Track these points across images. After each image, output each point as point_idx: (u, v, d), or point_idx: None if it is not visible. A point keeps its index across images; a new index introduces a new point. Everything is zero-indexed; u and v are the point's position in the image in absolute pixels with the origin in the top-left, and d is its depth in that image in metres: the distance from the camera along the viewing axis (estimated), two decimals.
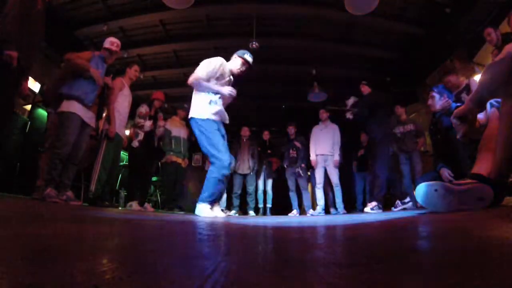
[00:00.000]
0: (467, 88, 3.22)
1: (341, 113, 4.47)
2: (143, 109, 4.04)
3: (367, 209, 3.62)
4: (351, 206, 5.56)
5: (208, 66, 2.52)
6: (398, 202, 3.78)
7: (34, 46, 2.37)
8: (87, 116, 2.85)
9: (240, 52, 2.64)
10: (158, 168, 5.46)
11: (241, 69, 2.62)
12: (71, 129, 2.66)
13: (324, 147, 4.66)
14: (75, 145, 2.76)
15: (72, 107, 2.71)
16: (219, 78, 2.54)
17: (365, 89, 4.10)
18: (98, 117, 3.04)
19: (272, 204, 5.60)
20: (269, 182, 5.56)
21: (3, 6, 2.15)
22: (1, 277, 0.29)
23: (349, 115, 4.06)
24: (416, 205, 3.50)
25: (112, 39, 3.17)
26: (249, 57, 2.63)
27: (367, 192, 5.32)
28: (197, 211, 2.37)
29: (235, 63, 2.63)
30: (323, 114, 4.87)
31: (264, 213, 5.55)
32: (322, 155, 4.65)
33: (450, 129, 2.39)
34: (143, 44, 5.38)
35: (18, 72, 2.21)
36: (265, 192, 5.58)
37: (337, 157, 4.64)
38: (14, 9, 2.15)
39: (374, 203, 3.59)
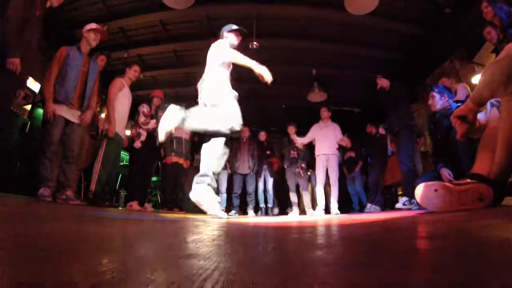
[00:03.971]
0: (454, 93, 3.27)
1: (341, 113, 4.45)
2: (145, 108, 4.06)
3: (398, 204, 3.56)
4: (349, 206, 5.58)
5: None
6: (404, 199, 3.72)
7: (32, 50, 2.39)
8: (70, 114, 2.85)
9: (227, 27, 2.69)
10: (158, 168, 5.46)
11: (238, 42, 2.69)
12: (52, 130, 2.71)
13: (325, 146, 4.60)
14: (65, 144, 2.81)
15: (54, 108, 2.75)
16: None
17: (383, 82, 3.95)
18: (81, 108, 2.97)
19: (274, 203, 5.58)
20: (270, 182, 5.53)
21: (3, 10, 2.16)
22: (1, 277, 0.29)
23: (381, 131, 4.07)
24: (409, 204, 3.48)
25: (91, 24, 3.11)
26: (236, 26, 2.67)
27: (360, 192, 5.36)
28: (197, 195, 2.29)
29: (231, 39, 2.68)
30: (324, 112, 4.77)
31: (266, 213, 5.52)
32: (324, 154, 4.59)
33: (450, 129, 2.40)
34: (143, 44, 5.38)
35: (17, 78, 2.24)
36: (266, 191, 5.56)
37: (342, 141, 4.67)
38: (15, 14, 2.16)
39: (405, 198, 3.52)
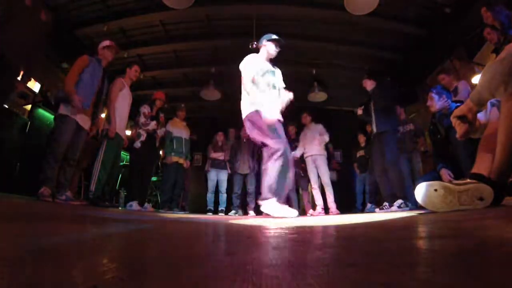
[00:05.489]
0: (455, 90, 3.25)
1: (342, 113, 4.44)
2: (146, 109, 4.06)
3: (393, 208, 3.48)
4: (351, 206, 5.57)
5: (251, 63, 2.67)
6: (385, 204, 3.69)
7: (33, 50, 2.38)
8: (83, 120, 2.95)
9: (267, 36, 2.80)
10: (158, 168, 5.45)
11: (275, 51, 2.80)
12: (66, 131, 2.77)
13: (310, 148, 4.69)
14: (70, 147, 2.85)
15: (67, 110, 2.81)
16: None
17: (370, 83, 3.97)
18: (93, 120, 3.16)
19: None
20: None
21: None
22: (1, 277, 0.29)
23: (360, 112, 4.07)
24: (416, 205, 3.46)
25: (105, 41, 3.32)
26: (275, 36, 2.79)
27: (367, 193, 5.34)
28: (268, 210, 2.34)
29: (270, 48, 2.77)
30: (306, 117, 4.89)
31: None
32: (311, 156, 4.67)
33: (450, 129, 2.40)
34: (143, 44, 5.38)
35: (12, 71, 2.23)
36: None
37: (326, 138, 4.69)
38: (7, 12, 2.15)
39: (400, 201, 3.45)
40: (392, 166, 3.57)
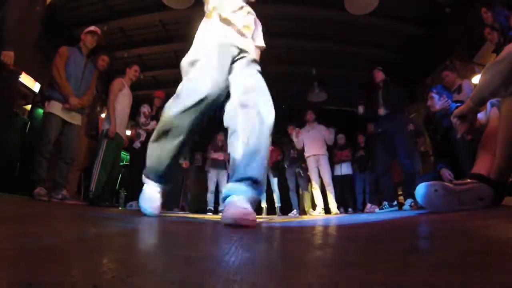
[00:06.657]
0: (459, 89, 3.24)
1: (340, 114, 4.44)
2: (146, 109, 4.06)
3: (406, 206, 3.53)
4: (352, 206, 5.57)
5: None
6: (385, 203, 3.71)
7: (29, 47, 2.39)
8: (69, 115, 2.88)
9: None
10: None
11: None
12: (49, 129, 2.75)
13: (313, 147, 4.65)
14: (62, 144, 2.85)
15: (51, 107, 2.79)
16: None
17: (380, 75, 3.97)
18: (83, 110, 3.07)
19: (281, 203, 5.54)
20: (275, 181, 5.51)
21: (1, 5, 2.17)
22: (1, 277, 0.29)
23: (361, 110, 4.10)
24: (416, 205, 3.47)
25: (90, 27, 3.19)
26: None
27: (367, 192, 5.34)
28: None
29: None
30: (310, 115, 4.85)
31: (274, 213, 5.48)
32: (314, 155, 4.64)
33: (450, 129, 2.40)
34: (143, 44, 5.38)
35: (10, 71, 2.26)
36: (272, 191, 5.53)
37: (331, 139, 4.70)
38: (14, 12, 2.17)
39: (410, 200, 3.49)
40: (403, 166, 3.55)
